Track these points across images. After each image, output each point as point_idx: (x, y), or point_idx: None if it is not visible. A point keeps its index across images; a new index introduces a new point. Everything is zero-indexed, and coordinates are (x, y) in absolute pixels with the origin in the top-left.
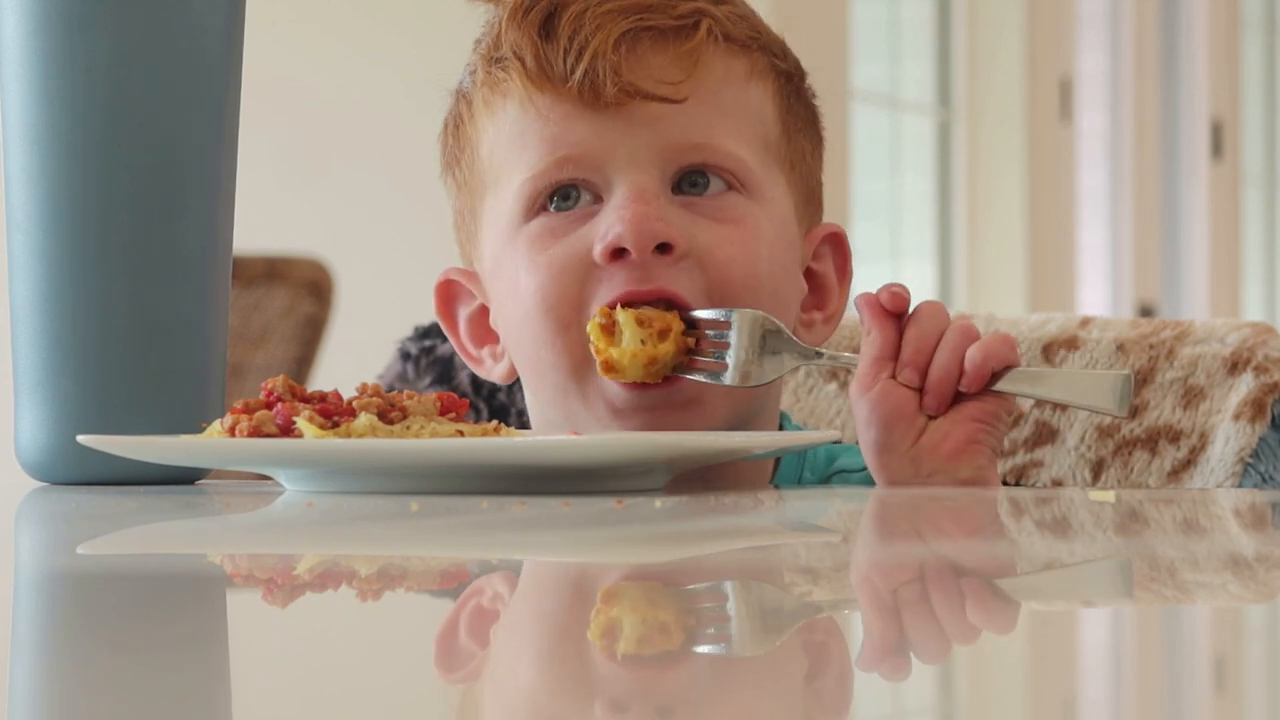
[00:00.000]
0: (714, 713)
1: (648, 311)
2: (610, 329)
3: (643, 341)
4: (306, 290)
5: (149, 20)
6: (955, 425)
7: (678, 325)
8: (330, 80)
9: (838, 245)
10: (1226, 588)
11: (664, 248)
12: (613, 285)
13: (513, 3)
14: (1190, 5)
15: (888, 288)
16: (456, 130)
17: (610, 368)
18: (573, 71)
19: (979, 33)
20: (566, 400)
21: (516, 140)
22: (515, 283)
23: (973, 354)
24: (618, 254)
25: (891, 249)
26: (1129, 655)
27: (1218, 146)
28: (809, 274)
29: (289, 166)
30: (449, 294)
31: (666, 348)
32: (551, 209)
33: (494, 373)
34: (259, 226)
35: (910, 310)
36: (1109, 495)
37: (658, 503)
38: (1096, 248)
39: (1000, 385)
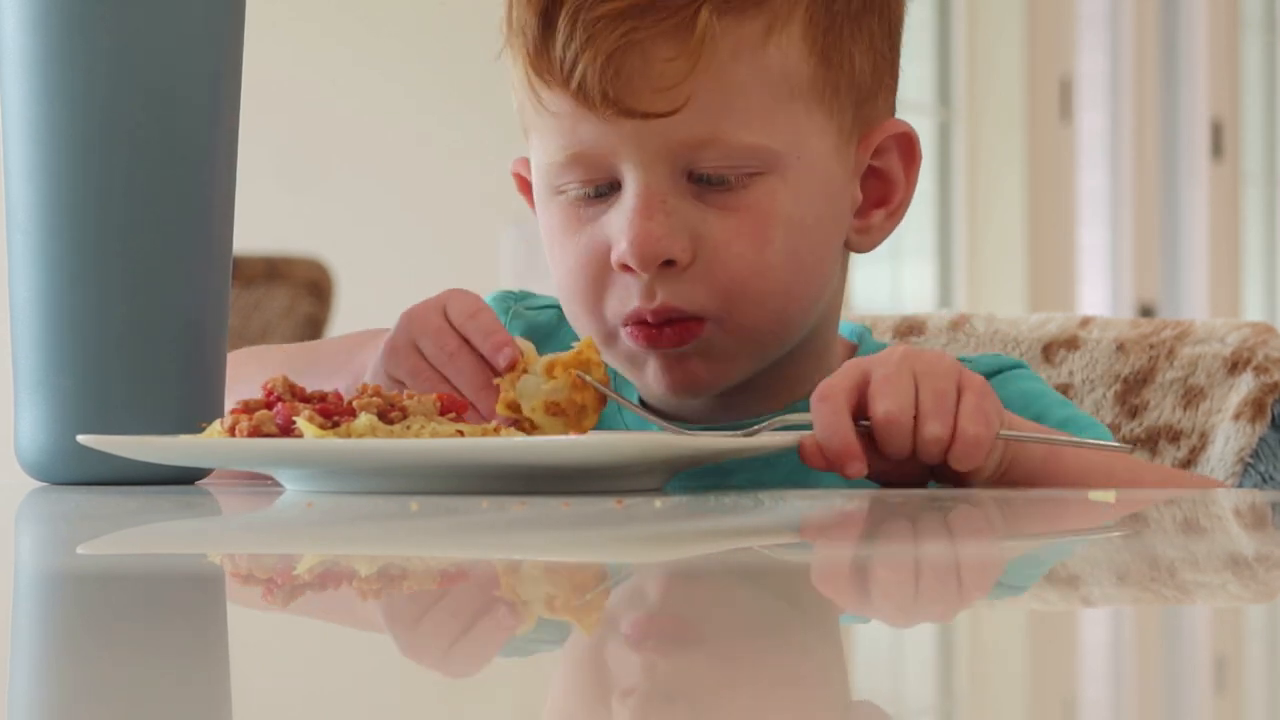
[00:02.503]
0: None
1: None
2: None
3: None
4: (306, 290)
5: (149, 20)
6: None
7: (593, 402)
8: (330, 81)
9: (900, 140)
10: (1226, 588)
11: (669, 263)
12: (626, 295)
13: None
14: (1190, 5)
15: (840, 466)
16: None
17: (510, 405)
18: (569, 73)
19: (979, 33)
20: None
21: (530, 112)
22: (550, 248)
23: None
24: (626, 268)
25: (891, 249)
26: (1129, 655)
27: (1218, 146)
28: (871, 172)
29: (289, 166)
30: (526, 184)
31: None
32: (576, 192)
33: None
34: (259, 226)
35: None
36: (1109, 495)
37: (658, 503)
38: (1096, 248)
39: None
